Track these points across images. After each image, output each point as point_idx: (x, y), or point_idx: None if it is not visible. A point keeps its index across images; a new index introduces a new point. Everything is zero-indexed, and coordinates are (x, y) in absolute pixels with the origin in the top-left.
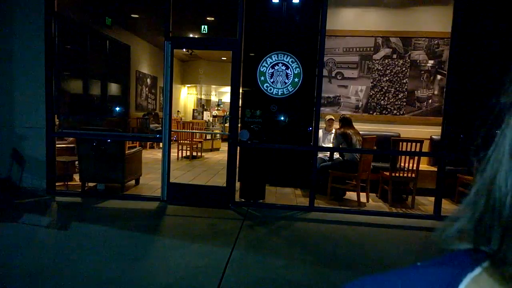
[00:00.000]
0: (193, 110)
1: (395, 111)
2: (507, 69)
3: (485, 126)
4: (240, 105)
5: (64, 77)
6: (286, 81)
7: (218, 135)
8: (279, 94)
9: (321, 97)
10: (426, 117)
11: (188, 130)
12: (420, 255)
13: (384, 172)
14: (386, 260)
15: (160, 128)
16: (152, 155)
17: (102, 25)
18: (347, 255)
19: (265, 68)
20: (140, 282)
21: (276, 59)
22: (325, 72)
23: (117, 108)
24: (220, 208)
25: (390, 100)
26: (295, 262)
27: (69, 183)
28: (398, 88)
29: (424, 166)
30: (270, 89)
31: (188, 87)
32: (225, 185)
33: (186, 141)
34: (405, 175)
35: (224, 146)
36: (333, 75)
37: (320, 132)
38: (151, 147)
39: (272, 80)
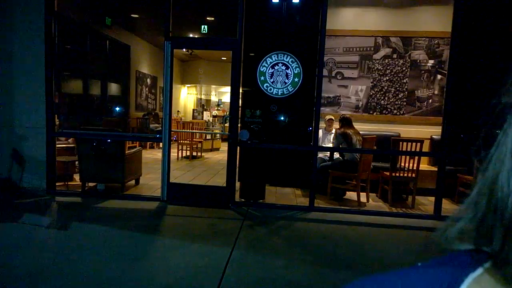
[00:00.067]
0: (193, 110)
1: (395, 111)
2: (507, 69)
3: (487, 125)
4: (240, 105)
5: (64, 77)
6: (286, 81)
7: (218, 135)
8: (279, 94)
9: (321, 97)
10: (426, 117)
11: (188, 130)
12: (420, 255)
13: (384, 172)
14: (386, 260)
15: (160, 128)
16: (152, 155)
17: (102, 25)
18: (347, 255)
19: (265, 68)
20: (140, 282)
21: (276, 59)
22: (325, 72)
23: (117, 108)
24: (220, 208)
25: (390, 100)
26: (295, 262)
27: (69, 183)
28: (398, 88)
29: (424, 166)
30: (270, 89)
31: (188, 87)
32: (225, 185)
33: (186, 141)
34: (405, 175)
35: (224, 146)
36: (333, 75)
37: (320, 132)
38: (151, 147)
39: (272, 80)
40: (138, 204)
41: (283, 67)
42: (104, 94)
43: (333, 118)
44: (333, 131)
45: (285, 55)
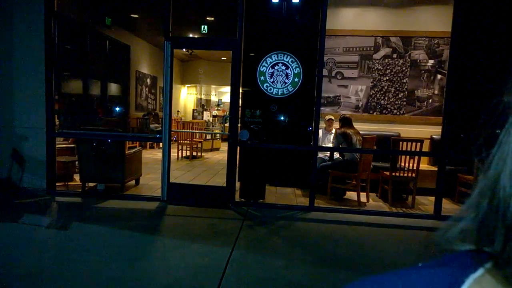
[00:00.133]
0: (193, 110)
1: (395, 111)
2: (507, 69)
3: (488, 125)
4: (240, 105)
5: (64, 77)
6: (286, 81)
7: (218, 135)
8: (279, 94)
9: (321, 97)
10: (426, 117)
11: (188, 130)
12: (420, 254)
13: (384, 172)
14: (386, 260)
15: (160, 128)
16: (152, 155)
17: (102, 25)
18: (347, 255)
19: (265, 68)
20: (140, 282)
21: (276, 59)
22: (325, 72)
23: (117, 108)
24: (220, 208)
25: (390, 100)
26: (295, 262)
27: (69, 183)
28: (398, 88)
29: (424, 165)
30: (270, 89)
31: (188, 87)
32: (225, 185)
33: (186, 141)
34: (405, 174)
35: (224, 146)
36: (333, 74)
37: (320, 132)
38: (151, 147)
39: (272, 80)
40: (138, 204)
41: (283, 67)
42: (104, 94)
43: (333, 118)
44: (333, 131)
45: (285, 55)
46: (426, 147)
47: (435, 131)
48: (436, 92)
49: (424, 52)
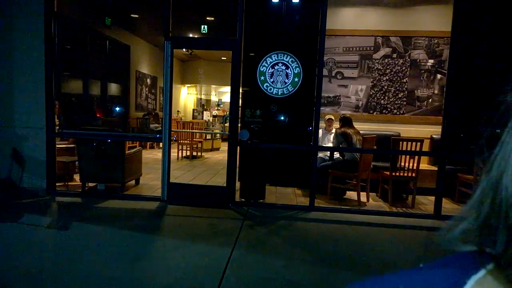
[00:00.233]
0: (193, 110)
1: (395, 111)
2: (508, 69)
3: (490, 125)
4: (240, 105)
5: (64, 77)
6: (286, 80)
7: (218, 135)
8: (279, 93)
9: (321, 96)
10: (426, 117)
11: (188, 130)
12: (421, 254)
13: (384, 172)
14: (386, 259)
15: (160, 128)
16: (152, 155)
17: (102, 25)
18: (347, 255)
19: (265, 67)
20: (140, 282)
21: (276, 58)
22: (325, 72)
23: (117, 108)
24: (220, 208)
25: (390, 100)
26: (295, 262)
27: (69, 183)
28: (398, 88)
29: (424, 165)
30: (270, 89)
31: (188, 87)
32: (225, 185)
33: (186, 141)
34: (405, 174)
35: (224, 146)
36: (333, 74)
37: (320, 131)
38: (151, 147)
39: (272, 80)
40: (138, 204)
41: (283, 67)
42: (104, 94)
43: (332, 118)
44: (333, 131)
45: (285, 55)
46: (426, 147)
47: (435, 131)
48: (436, 92)
49: (424, 52)
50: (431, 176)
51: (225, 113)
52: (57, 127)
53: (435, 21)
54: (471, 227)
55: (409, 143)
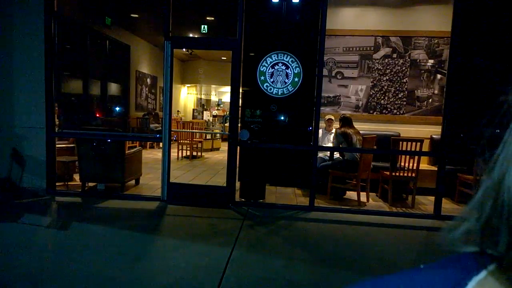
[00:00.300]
0: (193, 110)
1: (395, 111)
2: (508, 69)
3: (491, 125)
4: (240, 104)
5: (64, 77)
6: (286, 80)
7: (218, 135)
8: (279, 93)
9: (321, 96)
10: (426, 117)
11: (188, 130)
12: (420, 254)
13: (384, 172)
14: (386, 259)
15: (160, 128)
16: (152, 155)
17: (102, 25)
18: (347, 255)
19: (265, 67)
20: (140, 282)
21: (276, 58)
22: (325, 72)
23: (117, 108)
24: (220, 208)
25: (390, 100)
26: (295, 262)
27: (69, 183)
28: (398, 88)
29: (424, 165)
30: (270, 89)
31: (188, 86)
32: (225, 185)
33: (186, 141)
34: (405, 174)
35: (224, 146)
36: (333, 74)
37: (320, 131)
38: (151, 147)
39: (272, 80)
40: (138, 204)
41: (283, 67)
42: (104, 94)
43: (332, 118)
44: (333, 130)
45: (285, 55)
46: (426, 147)
47: (435, 131)
48: (436, 92)
49: (424, 52)
50: (431, 176)
51: (225, 113)
52: (57, 127)
53: (435, 21)
54: (473, 228)
55: (409, 143)
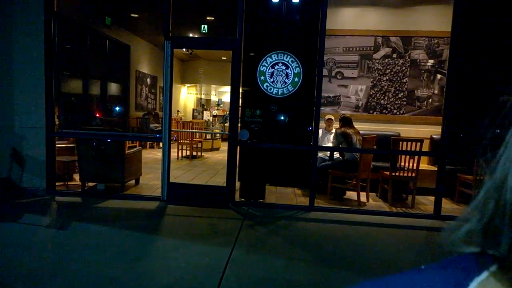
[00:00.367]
0: (193, 109)
1: (395, 111)
2: (508, 69)
3: (493, 125)
4: (240, 104)
5: (64, 77)
6: (286, 80)
7: (218, 134)
8: (279, 93)
9: (321, 96)
10: (426, 117)
11: (188, 130)
12: (420, 254)
13: (384, 172)
14: (386, 259)
15: (160, 128)
16: (152, 155)
17: (101, 24)
18: (347, 255)
19: (265, 67)
20: (140, 282)
21: (276, 58)
22: (325, 72)
23: (117, 108)
24: (220, 208)
25: (390, 100)
26: (295, 262)
27: (69, 183)
28: (398, 88)
29: (424, 165)
30: (270, 89)
31: (188, 86)
32: (225, 184)
33: (186, 141)
34: (405, 174)
35: (224, 146)
36: (333, 74)
37: (320, 131)
38: (151, 147)
39: (272, 80)
40: (138, 204)
41: (283, 67)
42: (104, 94)
43: (332, 118)
44: (333, 130)
45: (285, 55)
46: (426, 147)
47: (435, 131)
48: (436, 92)
49: (424, 52)
50: (431, 176)
51: (225, 113)
52: (57, 127)
53: (435, 21)
54: (475, 229)
55: (409, 143)
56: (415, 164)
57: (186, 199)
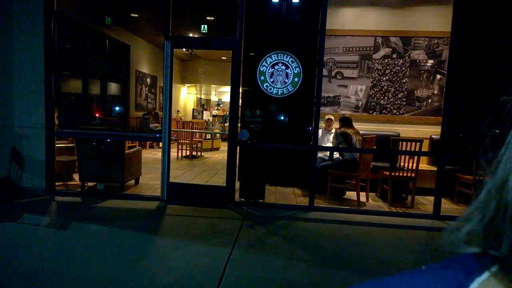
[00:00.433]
0: (193, 109)
1: (394, 111)
2: (508, 69)
3: (494, 125)
4: (240, 104)
5: (64, 77)
6: (286, 80)
7: (218, 134)
8: (279, 93)
9: (321, 96)
10: (426, 117)
11: (188, 130)
12: (420, 254)
13: (384, 172)
14: (386, 259)
15: (160, 128)
16: (151, 155)
17: (101, 24)
18: (347, 255)
19: (265, 67)
20: (140, 282)
21: (276, 58)
22: (325, 72)
23: (117, 108)
24: (220, 208)
25: (390, 100)
26: (295, 261)
27: (68, 182)
28: (397, 88)
29: (423, 165)
30: (270, 89)
31: (188, 86)
32: (225, 184)
33: (186, 141)
34: (405, 174)
35: (224, 146)
36: (333, 74)
37: (320, 131)
38: (151, 146)
39: (272, 80)
40: (138, 203)
41: (283, 67)
42: (104, 93)
43: (332, 118)
44: (333, 131)
45: (285, 55)
46: (425, 147)
47: (434, 131)
48: (435, 92)
49: (424, 52)
50: (431, 176)
51: (225, 112)
52: (57, 127)
53: (435, 21)
54: (476, 229)
55: (409, 143)
56: (414, 164)
57: (186, 199)
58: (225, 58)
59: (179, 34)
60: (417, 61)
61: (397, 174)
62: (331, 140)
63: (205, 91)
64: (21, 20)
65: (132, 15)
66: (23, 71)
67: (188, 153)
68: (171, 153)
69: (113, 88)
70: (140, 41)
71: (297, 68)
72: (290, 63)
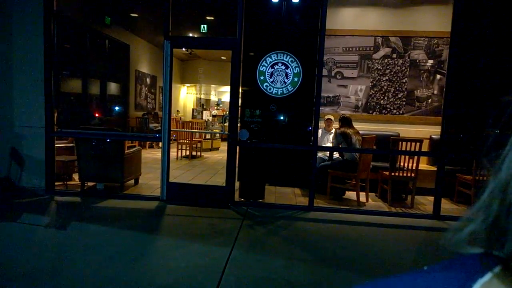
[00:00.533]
0: (193, 109)
1: (394, 111)
2: (508, 69)
3: (497, 125)
4: (239, 104)
5: (63, 77)
6: (286, 80)
7: (217, 134)
8: (279, 93)
9: (321, 96)
10: (426, 117)
11: (187, 130)
12: (420, 254)
13: (384, 172)
14: (385, 259)
15: (160, 128)
16: (151, 155)
17: (101, 24)
18: (346, 255)
19: (264, 67)
20: (140, 282)
21: (276, 58)
22: (324, 72)
23: (117, 108)
24: (219, 208)
25: (390, 100)
26: (295, 261)
27: (68, 182)
28: (397, 88)
29: (423, 165)
30: (270, 89)
31: (187, 86)
32: (224, 184)
33: (185, 141)
34: (405, 174)
35: (224, 146)
36: (333, 74)
37: (320, 131)
38: (151, 146)
39: (271, 80)
40: (138, 203)
41: (283, 67)
42: (104, 93)
43: (332, 118)
44: (333, 131)
45: (285, 55)
46: (425, 147)
47: (434, 131)
48: (435, 92)
49: (424, 52)
50: (430, 176)
51: (224, 112)
52: (56, 127)
53: (435, 21)
54: (479, 229)
55: (409, 143)
56: (414, 164)
57: (185, 199)
58: (224, 58)
59: (179, 34)
60: (417, 61)
61: (397, 174)
62: (331, 140)
63: (205, 91)
64: (21, 20)
65: (132, 15)
66: (23, 71)
67: (187, 153)
68: (171, 153)
69: (113, 88)
70: (140, 41)
71: (297, 68)
72: (290, 63)
